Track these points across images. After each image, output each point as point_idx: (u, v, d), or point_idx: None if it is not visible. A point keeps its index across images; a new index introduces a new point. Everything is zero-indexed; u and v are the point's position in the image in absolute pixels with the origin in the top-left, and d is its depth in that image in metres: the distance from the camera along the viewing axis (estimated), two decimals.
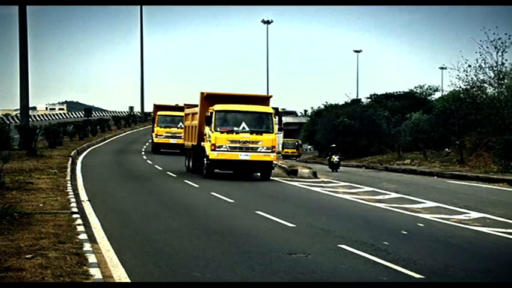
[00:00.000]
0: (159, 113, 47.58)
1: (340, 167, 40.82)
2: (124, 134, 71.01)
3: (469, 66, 40.25)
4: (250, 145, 27.00)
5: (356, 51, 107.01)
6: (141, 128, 78.62)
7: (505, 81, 40.93)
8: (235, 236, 13.51)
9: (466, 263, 11.30)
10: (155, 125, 47.05)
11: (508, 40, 39.19)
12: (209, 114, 27.69)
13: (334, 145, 42.94)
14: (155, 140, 46.64)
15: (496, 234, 14.64)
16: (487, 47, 39.37)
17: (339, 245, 12.41)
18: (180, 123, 44.11)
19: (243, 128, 27.27)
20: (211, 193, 21.74)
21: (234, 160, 27.06)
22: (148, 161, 38.38)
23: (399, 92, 73.79)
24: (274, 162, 28.59)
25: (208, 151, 27.30)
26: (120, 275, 9.66)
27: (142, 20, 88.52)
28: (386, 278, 9.83)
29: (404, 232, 14.58)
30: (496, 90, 41.18)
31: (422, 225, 15.95)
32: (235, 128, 27.33)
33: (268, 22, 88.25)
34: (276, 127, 27.58)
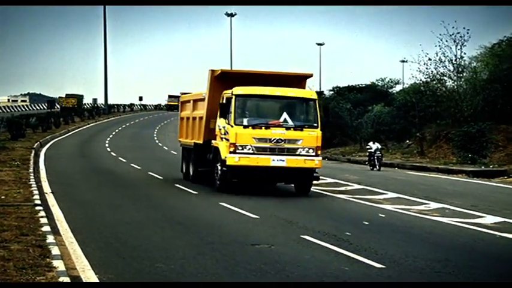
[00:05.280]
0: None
1: None
2: (88, 126, 70.41)
3: (429, 59, 40.95)
4: (287, 145, 19.30)
5: (319, 44, 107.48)
6: (105, 120, 78.02)
7: (464, 74, 41.79)
8: (198, 227, 13.60)
9: (426, 252, 11.54)
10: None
11: (467, 34, 39.94)
12: (224, 101, 19.96)
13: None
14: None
15: (454, 224, 14.97)
16: (447, 41, 40.13)
17: (302, 236, 12.58)
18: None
19: (284, 119, 19.59)
20: (176, 185, 21.77)
21: (262, 167, 19.28)
22: (112, 153, 38.18)
23: (361, 84, 74.40)
24: (318, 169, 20.14)
25: (224, 153, 19.43)
26: (83, 266, 9.69)
27: (106, 11, 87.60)
28: (348, 268, 10.01)
29: (366, 223, 14.82)
30: (455, 83, 41.99)
31: (383, 215, 16.23)
32: (265, 121, 19.61)
33: (231, 15, 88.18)
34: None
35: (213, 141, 20.66)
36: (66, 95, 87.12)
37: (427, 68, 41.40)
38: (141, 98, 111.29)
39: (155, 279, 9.15)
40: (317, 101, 20.05)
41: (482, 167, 31.58)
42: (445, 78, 42.03)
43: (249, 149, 19.23)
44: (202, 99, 22.20)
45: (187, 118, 24.22)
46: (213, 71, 21.28)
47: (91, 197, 18.30)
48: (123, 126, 66.53)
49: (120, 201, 17.43)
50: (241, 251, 11.12)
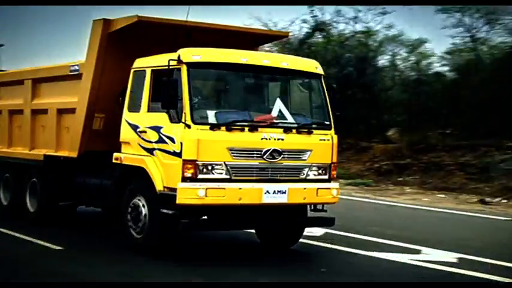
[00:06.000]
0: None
1: None
2: None
3: None
4: (286, 161, 9.83)
5: None
6: None
7: None
8: None
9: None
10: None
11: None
12: (153, 77, 9.97)
13: None
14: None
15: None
16: None
17: None
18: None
19: (279, 113, 10.20)
20: None
21: (247, 207, 9.71)
22: None
23: None
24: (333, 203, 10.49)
25: (167, 181, 9.44)
26: None
27: None
28: (26, 250, 10.25)
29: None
30: None
31: None
32: (248, 116, 9.87)
33: None
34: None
35: (118, 155, 10.41)
36: None
37: None
38: None
39: None
40: (323, 79, 10.59)
41: None
42: None
43: (222, 171, 9.44)
44: (73, 77, 11.89)
45: (18, 112, 13.77)
46: (106, 23, 10.93)
47: None
48: None
49: None
50: None
